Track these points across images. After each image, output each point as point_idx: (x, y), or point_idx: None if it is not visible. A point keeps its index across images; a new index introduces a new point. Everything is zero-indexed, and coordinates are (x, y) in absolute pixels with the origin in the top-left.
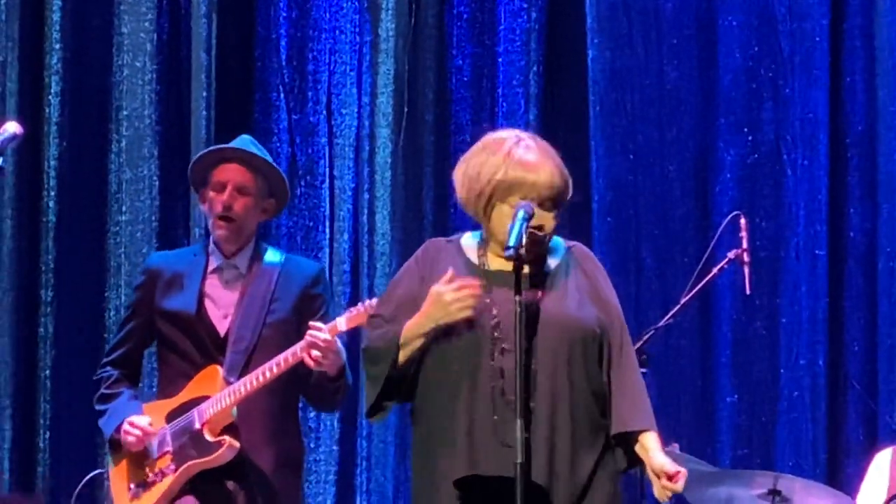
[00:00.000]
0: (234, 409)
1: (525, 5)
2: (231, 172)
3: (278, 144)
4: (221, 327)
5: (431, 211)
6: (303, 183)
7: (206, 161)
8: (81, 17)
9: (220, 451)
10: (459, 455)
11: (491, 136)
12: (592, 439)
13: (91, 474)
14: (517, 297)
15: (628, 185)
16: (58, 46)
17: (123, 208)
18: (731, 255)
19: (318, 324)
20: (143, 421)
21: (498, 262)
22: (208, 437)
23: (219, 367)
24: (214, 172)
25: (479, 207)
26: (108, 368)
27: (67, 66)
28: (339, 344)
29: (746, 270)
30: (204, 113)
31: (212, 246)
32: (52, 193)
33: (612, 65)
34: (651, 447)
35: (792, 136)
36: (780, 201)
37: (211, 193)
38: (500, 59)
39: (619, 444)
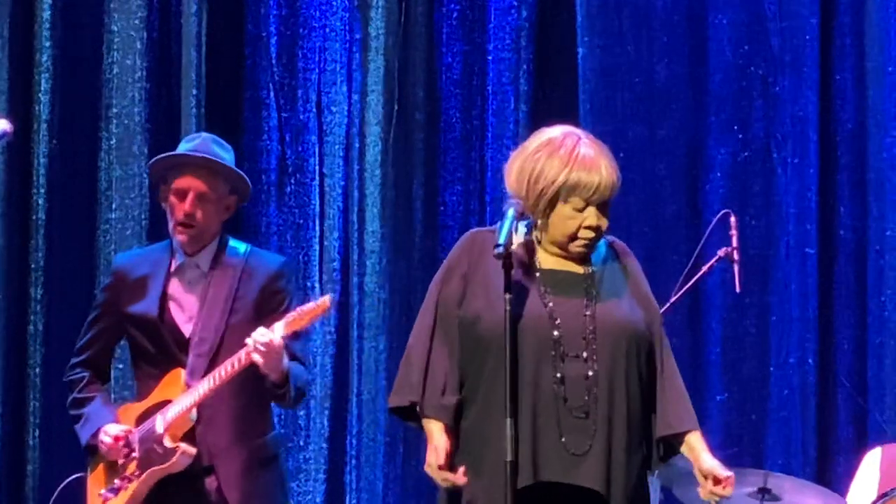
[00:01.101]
0: (194, 413)
1: (515, 3)
2: (192, 180)
3: (268, 142)
4: (186, 330)
5: (421, 209)
6: (293, 181)
7: (166, 163)
8: (72, 15)
9: (174, 459)
10: (522, 462)
11: (547, 133)
12: (640, 445)
13: (69, 479)
14: (507, 296)
15: None
16: (48, 44)
17: (113, 206)
18: (721, 253)
19: (261, 329)
20: (116, 429)
21: (551, 261)
22: (167, 443)
23: (182, 371)
24: (175, 179)
25: (540, 206)
26: (79, 370)
27: (57, 64)
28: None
29: (736, 268)
30: (194, 111)
31: (175, 243)
32: (42, 191)
33: (602, 63)
34: (698, 448)
35: (782, 134)
36: (770, 199)
37: (172, 198)
38: (490, 57)
39: (660, 444)
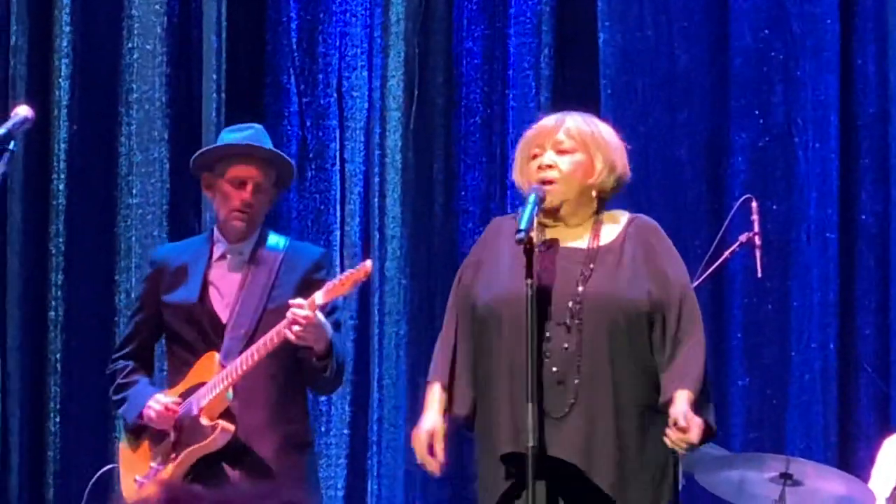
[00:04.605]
0: (230, 392)
1: None
2: (252, 171)
3: (289, 128)
4: (223, 315)
5: (442, 193)
6: (313, 166)
7: (221, 152)
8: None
9: (213, 436)
10: (504, 430)
11: None
12: (641, 419)
13: (103, 469)
14: (528, 281)
15: (639, 169)
16: (68, 30)
17: (134, 191)
18: (742, 238)
19: (299, 300)
20: (166, 398)
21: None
22: (204, 421)
23: (216, 353)
24: (233, 168)
25: (523, 176)
26: (121, 361)
27: (77, 50)
28: (323, 319)
29: (758, 254)
30: (214, 96)
31: (216, 233)
32: (63, 177)
33: (622, 48)
34: (676, 401)
35: (803, 118)
36: (791, 184)
37: (227, 187)
38: (510, 42)
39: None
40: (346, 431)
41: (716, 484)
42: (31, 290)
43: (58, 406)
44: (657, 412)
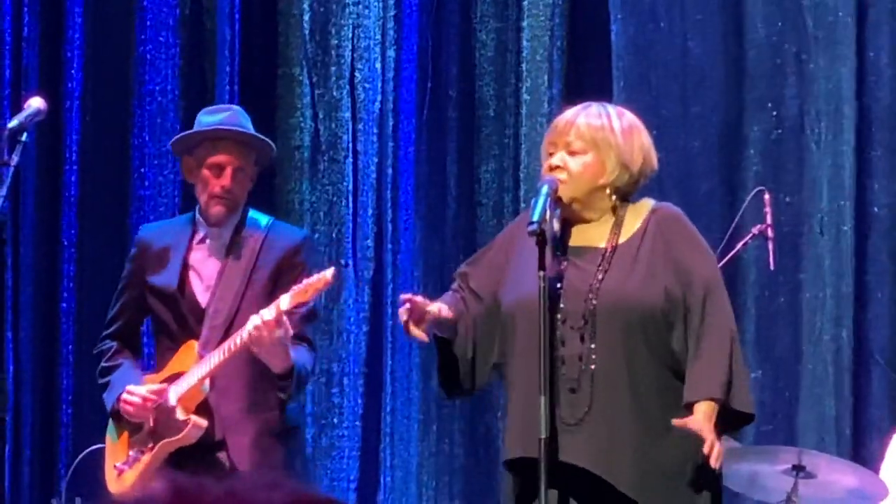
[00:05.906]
0: (206, 384)
1: None
2: (229, 155)
3: (301, 119)
4: (203, 300)
5: (455, 186)
6: (326, 158)
7: (198, 137)
8: None
9: (185, 431)
10: (516, 435)
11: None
12: (665, 418)
13: (88, 450)
14: (540, 273)
15: None
16: (80, 21)
17: (146, 182)
18: (755, 230)
19: (262, 312)
20: (141, 389)
21: (573, 237)
22: (179, 415)
23: (195, 343)
24: (211, 153)
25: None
26: (107, 341)
27: (90, 41)
28: (287, 343)
29: (770, 246)
30: (227, 88)
31: (198, 216)
32: (75, 168)
33: (635, 40)
34: (695, 412)
35: (816, 111)
36: (804, 176)
37: (205, 172)
38: (523, 34)
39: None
40: (358, 423)
41: (728, 476)
42: (43, 282)
43: (70, 397)
44: (684, 406)
